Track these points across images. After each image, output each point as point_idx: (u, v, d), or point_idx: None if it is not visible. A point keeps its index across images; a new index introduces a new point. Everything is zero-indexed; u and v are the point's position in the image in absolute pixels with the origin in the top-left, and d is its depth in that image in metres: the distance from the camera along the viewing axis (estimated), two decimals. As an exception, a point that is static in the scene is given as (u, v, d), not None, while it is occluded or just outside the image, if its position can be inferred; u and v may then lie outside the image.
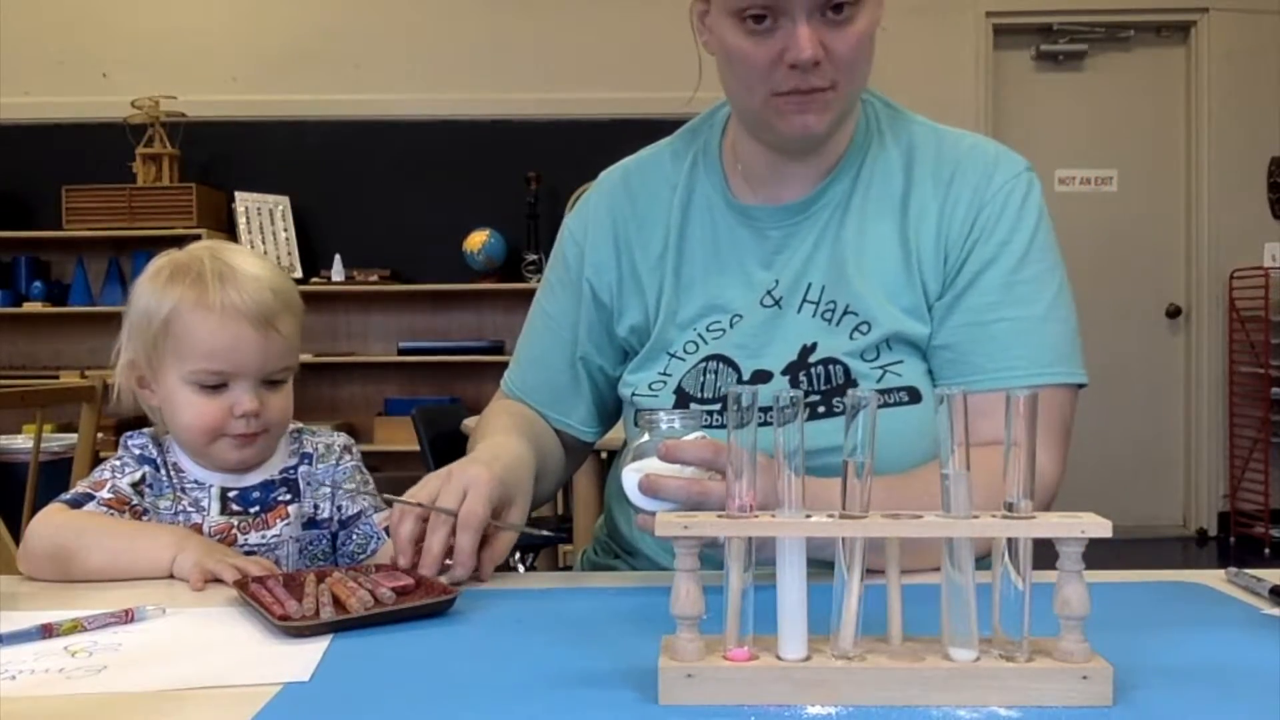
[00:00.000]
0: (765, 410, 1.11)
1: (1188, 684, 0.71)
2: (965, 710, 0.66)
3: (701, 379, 1.14)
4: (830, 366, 1.11)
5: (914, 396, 1.09)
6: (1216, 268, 5.10)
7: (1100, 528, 0.67)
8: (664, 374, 1.17)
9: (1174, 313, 5.20)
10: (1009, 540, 0.69)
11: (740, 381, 1.13)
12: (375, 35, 4.90)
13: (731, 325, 1.16)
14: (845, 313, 1.12)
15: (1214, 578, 1.01)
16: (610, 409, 1.30)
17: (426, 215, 4.84)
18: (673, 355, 1.18)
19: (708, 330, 1.17)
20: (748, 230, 1.18)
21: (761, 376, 1.13)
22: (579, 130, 4.79)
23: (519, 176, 4.72)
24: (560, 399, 1.27)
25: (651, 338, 1.19)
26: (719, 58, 1.11)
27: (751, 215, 1.18)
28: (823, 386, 1.10)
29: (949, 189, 1.13)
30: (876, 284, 1.12)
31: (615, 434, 1.31)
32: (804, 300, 1.15)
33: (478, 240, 4.70)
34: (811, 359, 1.12)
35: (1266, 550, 4.77)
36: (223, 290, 1.13)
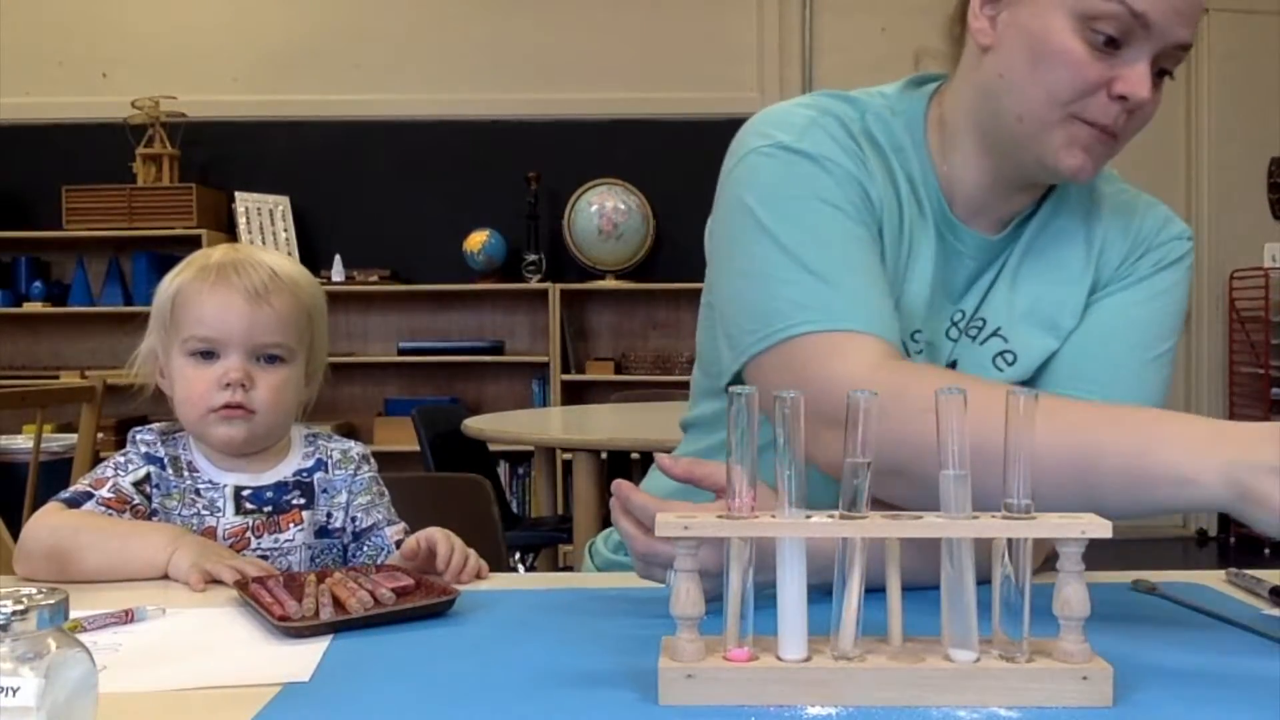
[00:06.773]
0: None
1: (1188, 684, 0.71)
2: (965, 711, 0.66)
3: None
4: None
5: None
6: (1216, 268, 5.10)
7: (1100, 528, 0.67)
8: None
9: (1174, 313, 5.20)
10: (1009, 540, 0.69)
11: None
12: (375, 35, 4.89)
13: (908, 350, 1.05)
14: (1003, 351, 1.08)
15: (1214, 578, 1.01)
16: None
17: (426, 215, 4.84)
18: None
19: None
20: (946, 249, 1.08)
21: None
22: (579, 130, 4.77)
23: (519, 176, 4.71)
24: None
25: None
26: (1019, 50, 0.99)
27: (959, 236, 1.08)
28: None
29: (1129, 223, 1.13)
30: (1047, 322, 1.08)
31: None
32: (965, 332, 1.10)
33: (478, 240, 4.70)
34: None
35: (1266, 551, 4.76)
36: (222, 267, 1.17)
